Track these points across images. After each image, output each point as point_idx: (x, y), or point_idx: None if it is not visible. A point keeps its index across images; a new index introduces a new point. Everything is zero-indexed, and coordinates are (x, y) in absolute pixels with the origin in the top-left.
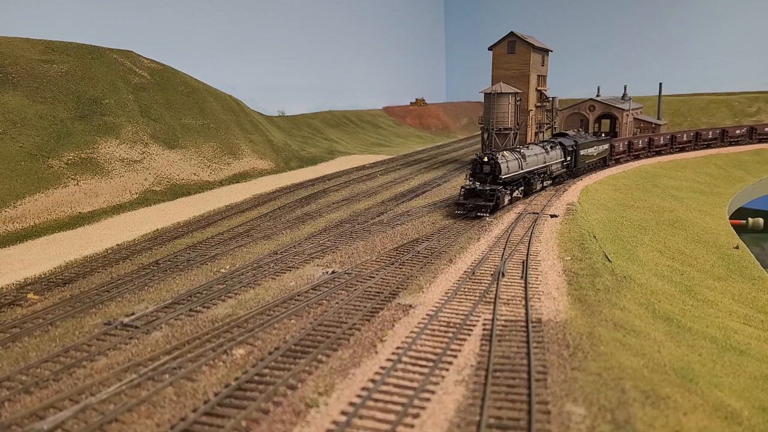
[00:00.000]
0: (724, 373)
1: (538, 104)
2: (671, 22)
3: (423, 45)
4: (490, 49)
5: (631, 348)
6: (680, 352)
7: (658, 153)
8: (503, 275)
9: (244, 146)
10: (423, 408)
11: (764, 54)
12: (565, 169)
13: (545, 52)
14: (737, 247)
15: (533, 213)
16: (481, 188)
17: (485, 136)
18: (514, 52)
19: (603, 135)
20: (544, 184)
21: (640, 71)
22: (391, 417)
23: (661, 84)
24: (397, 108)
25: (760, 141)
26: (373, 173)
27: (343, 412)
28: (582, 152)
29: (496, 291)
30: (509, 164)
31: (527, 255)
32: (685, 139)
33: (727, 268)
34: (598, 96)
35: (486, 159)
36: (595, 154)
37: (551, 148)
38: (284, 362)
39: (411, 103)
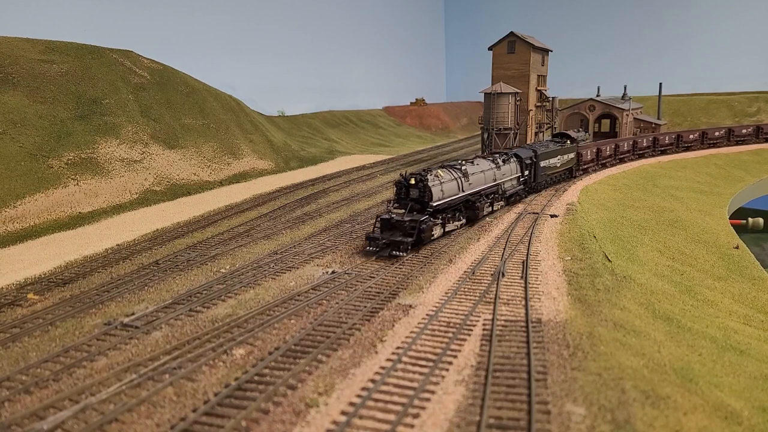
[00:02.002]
0: (724, 373)
1: (538, 104)
2: (671, 22)
3: (423, 45)
4: (490, 49)
5: (631, 348)
6: (680, 352)
7: (641, 156)
8: (503, 275)
9: (244, 146)
10: (423, 408)
11: (764, 54)
12: (522, 186)
13: (545, 51)
14: (737, 247)
15: (533, 213)
16: (399, 219)
17: (485, 136)
18: (514, 52)
19: (568, 142)
20: (494, 207)
21: (640, 71)
22: (391, 417)
23: (661, 84)
24: (397, 108)
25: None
26: (373, 173)
27: (343, 412)
28: (543, 164)
29: (496, 291)
30: (444, 186)
31: (527, 255)
32: (667, 141)
33: (727, 268)
34: (598, 96)
35: (413, 181)
36: (558, 165)
37: (504, 161)
38: (284, 362)
39: (411, 103)
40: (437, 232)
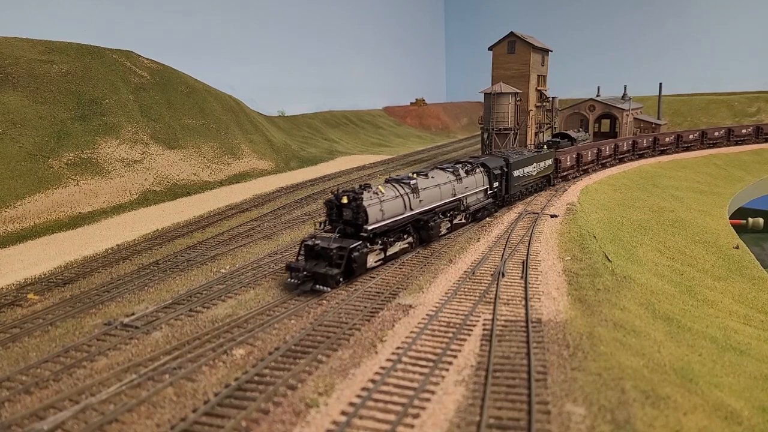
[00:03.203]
0: (724, 373)
1: (538, 104)
2: (671, 22)
3: (423, 45)
4: (490, 49)
5: (631, 348)
6: (680, 352)
7: (621, 161)
8: (503, 275)
9: (244, 146)
10: (423, 408)
11: (764, 54)
12: (490, 199)
13: (545, 52)
14: (737, 247)
15: (533, 213)
16: (324, 246)
17: (485, 136)
18: (514, 52)
19: (545, 147)
20: (454, 223)
21: (640, 71)
22: (391, 417)
23: (661, 84)
24: (397, 108)
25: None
26: (373, 173)
27: (343, 413)
28: (516, 173)
29: (496, 291)
30: (385, 205)
31: (527, 255)
32: (645, 144)
33: (727, 268)
34: (598, 96)
35: (345, 199)
36: (534, 173)
37: (468, 172)
38: (284, 362)
39: (411, 103)
40: (371, 260)
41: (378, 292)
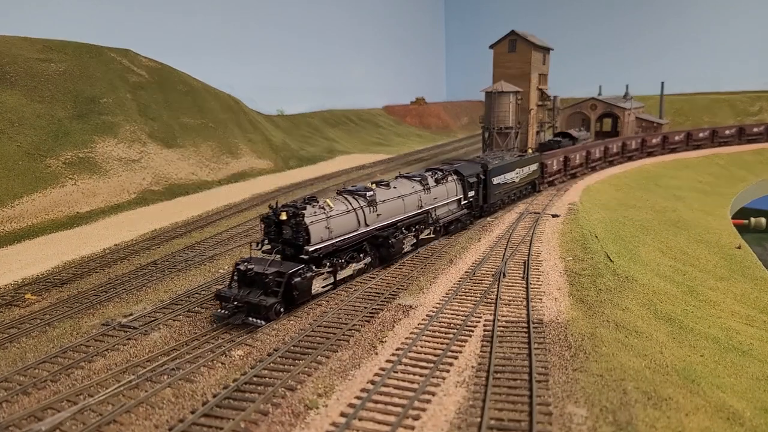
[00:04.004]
0: (727, 374)
1: (540, 103)
2: (673, 21)
3: (423, 43)
4: (491, 47)
5: (633, 349)
6: (682, 352)
7: (611, 164)
8: (504, 276)
9: (242, 146)
10: (423, 410)
11: (766, 54)
12: (465, 210)
13: (546, 50)
14: (739, 247)
15: (534, 213)
16: (259, 271)
17: (486, 135)
18: (515, 51)
19: (529, 151)
20: (421, 238)
21: (642, 70)
22: (391, 419)
23: (663, 83)
24: (397, 107)
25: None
26: (372, 173)
27: (343, 414)
28: (496, 180)
29: (497, 292)
30: (333, 222)
31: (528, 255)
32: (634, 146)
33: (730, 268)
34: (599, 95)
35: (284, 215)
36: (517, 179)
37: (438, 181)
38: (283, 363)
39: (411, 102)
40: (320, 285)
41: (378, 293)
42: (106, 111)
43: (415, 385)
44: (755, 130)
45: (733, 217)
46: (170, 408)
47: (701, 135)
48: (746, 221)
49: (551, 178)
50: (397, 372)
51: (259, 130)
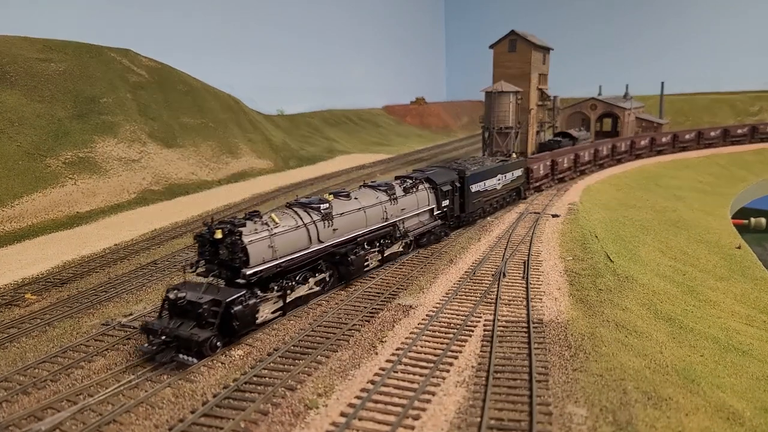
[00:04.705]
0: (726, 374)
1: (540, 103)
2: (673, 20)
3: (423, 43)
4: (491, 47)
5: (633, 349)
6: (682, 352)
7: (601, 167)
8: (504, 275)
9: (242, 145)
10: (423, 409)
11: (766, 53)
12: (439, 221)
13: (546, 50)
14: (739, 247)
15: (534, 213)
16: (192, 300)
17: (486, 135)
18: (515, 51)
19: (514, 155)
20: (387, 254)
21: (642, 70)
22: (391, 419)
23: (663, 83)
24: (398, 107)
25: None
26: (372, 172)
27: (343, 414)
28: (475, 188)
29: (497, 291)
30: (278, 240)
31: (528, 255)
32: (623, 149)
33: (730, 268)
34: (599, 95)
35: (219, 234)
36: (499, 186)
37: (407, 190)
38: (283, 363)
39: (411, 102)
40: (268, 311)
41: (378, 293)
42: (106, 111)
43: (415, 385)
44: (739, 131)
45: (733, 217)
46: (170, 408)
47: (687, 137)
48: (746, 221)
49: (538, 184)
50: (397, 372)
51: (259, 129)
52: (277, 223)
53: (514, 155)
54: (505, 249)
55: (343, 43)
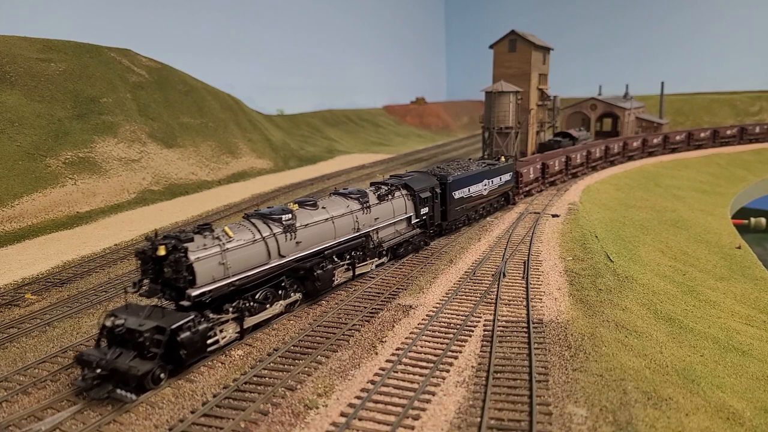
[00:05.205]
0: (727, 374)
1: (540, 103)
2: (673, 20)
3: (423, 43)
4: (491, 47)
5: (633, 349)
6: (682, 352)
7: (594, 169)
8: (504, 275)
9: (242, 145)
10: (423, 409)
11: (766, 53)
12: (418, 230)
13: (546, 50)
14: (739, 247)
15: (535, 213)
16: (132, 327)
17: (486, 135)
18: (515, 51)
19: (502, 159)
20: (356, 268)
21: (642, 70)
22: (391, 419)
23: (663, 83)
24: (398, 107)
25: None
26: (372, 172)
27: (343, 414)
28: (458, 194)
29: (497, 291)
30: (231, 255)
31: (528, 255)
32: (616, 150)
33: (730, 268)
34: (599, 95)
35: (162, 250)
36: (485, 192)
37: (381, 198)
38: (283, 363)
39: (411, 101)
40: (228, 334)
41: (378, 293)
42: (106, 111)
43: (415, 385)
44: (728, 132)
45: (733, 217)
46: (170, 408)
47: (677, 138)
48: (746, 221)
49: (528, 188)
50: (397, 372)
51: (258, 129)
52: (230, 237)
53: (503, 159)
54: (505, 249)
55: (343, 43)
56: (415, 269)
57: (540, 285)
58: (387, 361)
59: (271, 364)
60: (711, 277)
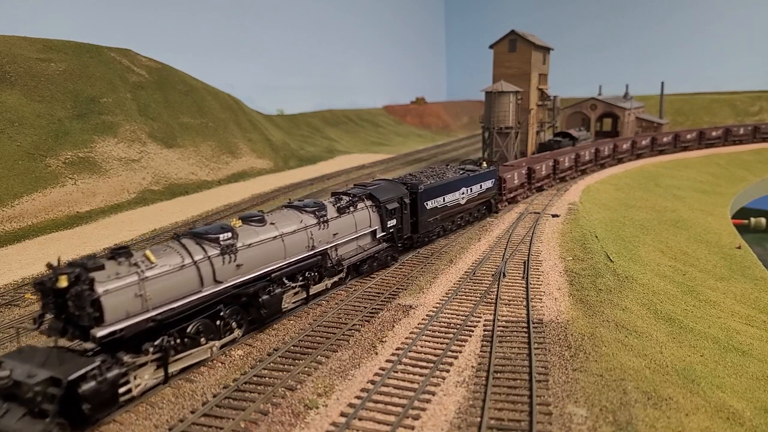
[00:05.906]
0: (726, 374)
1: (540, 103)
2: (673, 20)
3: (423, 43)
4: (491, 47)
5: (633, 349)
6: (682, 352)
7: (584, 172)
8: (504, 275)
9: (242, 145)
10: (423, 409)
11: (766, 53)
12: (384, 244)
13: (546, 50)
14: (739, 247)
15: (535, 213)
16: (19, 379)
17: (486, 135)
18: (515, 51)
19: (484, 164)
20: (314, 288)
21: (642, 70)
22: (391, 419)
23: (663, 83)
24: (398, 107)
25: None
26: (372, 172)
27: (343, 414)
28: (430, 204)
29: (497, 291)
30: (151, 285)
31: (528, 255)
32: (606, 153)
33: (730, 268)
34: (599, 95)
35: (64, 282)
36: (463, 200)
37: (342, 210)
38: (283, 363)
39: (411, 101)
40: (145, 379)
41: (378, 293)
42: (106, 111)
43: (415, 385)
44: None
45: (733, 217)
46: (170, 408)
47: (665, 140)
48: (746, 221)
49: (512, 195)
50: (397, 372)
51: (258, 129)
52: (152, 263)
53: (484, 164)
54: (505, 249)
55: (343, 43)
56: (415, 269)
57: (540, 285)
58: (387, 361)
59: (271, 364)
60: (711, 277)
